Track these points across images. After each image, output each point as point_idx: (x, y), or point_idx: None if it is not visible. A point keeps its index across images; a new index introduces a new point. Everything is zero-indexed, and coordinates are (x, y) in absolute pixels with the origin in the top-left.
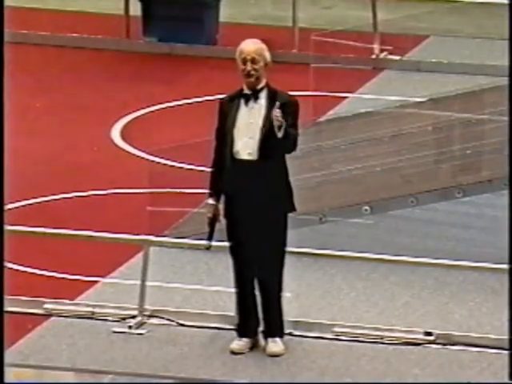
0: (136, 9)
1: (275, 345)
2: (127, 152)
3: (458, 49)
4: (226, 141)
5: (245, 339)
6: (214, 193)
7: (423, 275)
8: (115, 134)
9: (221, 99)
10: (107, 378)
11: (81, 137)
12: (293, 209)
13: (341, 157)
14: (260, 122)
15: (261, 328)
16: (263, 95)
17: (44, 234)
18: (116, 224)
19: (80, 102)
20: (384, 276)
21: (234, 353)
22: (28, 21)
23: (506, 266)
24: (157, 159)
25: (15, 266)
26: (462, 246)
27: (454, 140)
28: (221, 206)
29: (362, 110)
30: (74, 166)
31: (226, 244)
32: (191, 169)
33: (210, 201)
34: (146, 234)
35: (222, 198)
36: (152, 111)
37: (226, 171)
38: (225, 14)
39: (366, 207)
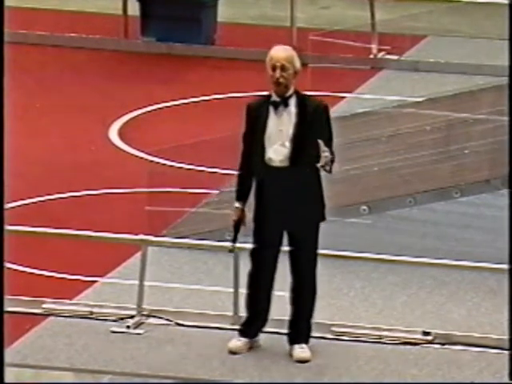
0: (134, 9)
1: (303, 351)
2: (125, 152)
3: (456, 49)
4: (256, 147)
5: (244, 339)
6: (241, 196)
7: (422, 275)
8: (113, 133)
9: (248, 104)
10: (106, 378)
11: (79, 137)
12: (323, 218)
13: (339, 157)
14: (290, 129)
15: (284, 331)
16: (292, 102)
17: (44, 233)
18: (114, 224)
19: (78, 101)
20: (382, 276)
21: (232, 352)
22: (27, 21)
23: (504, 266)
24: (155, 159)
25: (14, 266)
26: (461, 245)
27: (451, 140)
28: (246, 210)
29: (360, 110)
30: (71, 165)
31: (225, 244)
32: (189, 169)
33: (237, 204)
34: (145, 234)
35: (248, 202)
36: (150, 111)
37: (257, 177)
38: (223, 13)
39: (364, 207)
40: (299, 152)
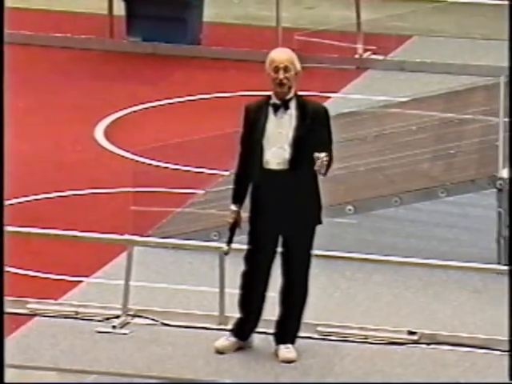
0: (120, 8)
1: (288, 351)
2: (111, 152)
3: (442, 49)
4: (254, 150)
5: (233, 339)
6: (237, 199)
7: (407, 275)
8: (99, 133)
9: (247, 106)
10: (90, 378)
11: (64, 136)
12: (319, 221)
13: None
14: (290, 132)
15: (272, 331)
16: (293, 105)
17: (28, 233)
18: (100, 224)
19: (64, 101)
20: (368, 276)
21: (218, 351)
22: (12, 20)
23: (489, 266)
24: (140, 159)
25: None
26: (446, 245)
27: (437, 140)
28: (242, 212)
29: (346, 110)
30: (57, 165)
31: (211, 244)
32: (175, 168)
33: (233, 207)
34: (130, 234)
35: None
36: (136, 111)
37: (254, 180)
38: (208, 13)
39: (350, 207)
40: (298, 155)
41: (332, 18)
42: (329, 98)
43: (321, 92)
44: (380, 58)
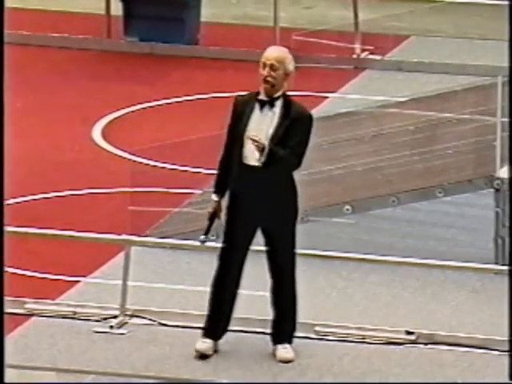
0: (117, 8)
1: (286, 351)
2: (108, 152)
3: (439, 49)
4: (236, 143)
5: (209, 340)
6: (219, 189)
7: (404, 275)
8: (96, 133)
9: (235, 98)
10: (89, 378)
11: (62, 136)
12: (296, 216)
13: (322, 156)
14: (270, 130)
15: (268, 331)
16: (279, 104)
17: (26, 233)
18: (97, 224)
19: (61, 101)
20: (365, 276)
21: (200, 354)
22: (10, 20)
23: (487, 266)
24: (138, 159)
25: None
26: (444, 245)
27: (435, 140)
28: (223, 203)
29: (344, 110)
30: (55, 165)
31: (208, 244)
32: (172, 168)
33: (214, 197)
34: (128, 234)
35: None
36: (133, 111)
37: (233, 173)
38: (206, 13)
39: (348, 207)
40: (274, 153)
41: (330, 18)
42: (326, 97)
43: (318, 92)
44: (378, 57)
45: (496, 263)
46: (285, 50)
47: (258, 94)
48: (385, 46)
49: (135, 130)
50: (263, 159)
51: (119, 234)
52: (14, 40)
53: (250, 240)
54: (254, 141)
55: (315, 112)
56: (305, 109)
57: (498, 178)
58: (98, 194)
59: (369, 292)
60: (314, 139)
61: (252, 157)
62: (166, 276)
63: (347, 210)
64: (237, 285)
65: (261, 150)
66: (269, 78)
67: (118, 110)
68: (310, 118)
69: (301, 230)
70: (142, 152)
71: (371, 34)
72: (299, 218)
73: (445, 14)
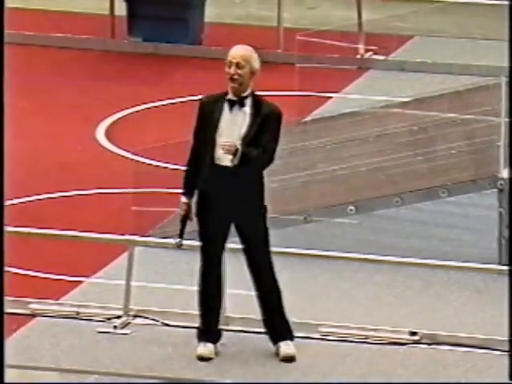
0: (121, 8)
1: (288, 347)
2: (112, 152)
3: (443, 49)
4: (206, 144)
5: (209, 344)
6: (188, 191)
7: (408, 275)
8: (100, 133)
9: (201, 100)
10: (92, 378)
11: (65, 137)
12: (266, 212)
13: (326, 157)
14: (243, 129)
15: (266, 330)
16: (248, 103)
17: (29, 234)
18: (101, 224)
19: (64, 101)
20: (369, 276)
21: (202, 358)
22: (12, 20)
23: (490, 266)
24: (141, 159)
25: None
26: (447, 245)
27: (438, 140)
28: (193, 204)
29: (347, 110)
30: (58, 165)
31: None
32: (176, 169)
33: (184, 199)
34: (131, 234)
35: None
36: (137, 111)
37: (204, 174)
38: (210, 13)
39: (351, 207)
40: (247, 154)
41: (333, 19)
42: (330, 98)
43: (322, 92)
44: (381, 58)
45: (499, 263)
46: (250, 48)
47: (225, 94)
48: (388, 46)
49: (138, 130)
50: (236, 161)
51: (122, 234)
52: (16, 40)
53: (224, 237)
54: (227, 148)
55: (319, 112)
56: (275, 106)
57: (502, 179)
58: (101, 194)
59: (372, 292)
60: (317, 139)
61: (225, 158)
62: (170, 276)
63: (351, 210)
64: (220, 282)
65: (233, 153)
66: (235, 76)
67: (122, 110)
68: (280, 115)
69: (304, 230)
70: (146, 152)
71: (375, 35)
72: (302, 218)
73: (448, 15)
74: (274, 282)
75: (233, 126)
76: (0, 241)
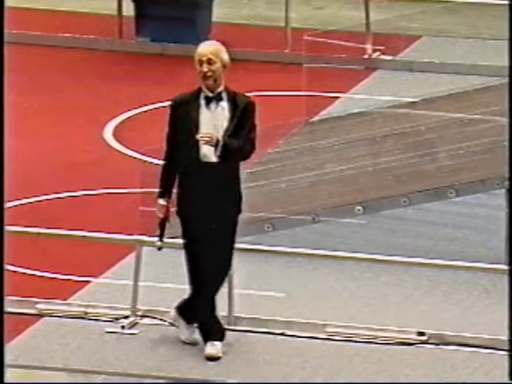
0: (129, 9)
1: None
2: (119, 152)
3: (451, 49)
4: (186, 144)
5: (216, 342)
6: (165, 193)
7: (416, 275)
8: (108, 133)
9: (172, 103)
10: (100, 378)
11: (73, 137)
12: (240, 211)
13: (333, 157)
14: (224, 124)
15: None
16: (224, 97)
17: (37, 234)
18: (108, 224)
19: (72, 101)
20: (376, 276)
21: (211, 357)
22: (20, 21)
23: (498, 266)
24: (149, 159)
25: (7, 266)
26: (455, 245)
27: (446, 140)
28: (170, 206)
29: (355, 110)
30: (66, 165)
31: None
32: None
33: (162, 201)
34: (139, 234)
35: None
36: (144, 111)
37: (187, 173)
38: (218, 14)
39: (359, 207)
40: (229, 148)
41: (341, 19)
42: (338, 98)
43: (330, 92)
44: (389, 58)
45: (507, 263)
46: (217, 42)
47: (197, 92)
48: (396, 46)
49: (146, 131)
50: (218, 152)
51: (130, 234)
52: (24, 40)
53: (210, 234)
54: (206, 139)
55: (327, 112)
56: (247, 96)
57: (510, 179)
58: (108, 194)
59: (380, 292)
60: (325, 139)
61: (211, 154)
62: (177, 276)
63: (358, 210)
64: (215, 279)
65: (215, 144)
66: (209, 73)
67: (129, 110)
68: (254, 104)
69: (312, 230)
70: (153, 152)
71: (382, 35)
72: (310, 218)
73: (456, 14)
74: (223, 281)
75: (214, 123)
76: (0, 241)
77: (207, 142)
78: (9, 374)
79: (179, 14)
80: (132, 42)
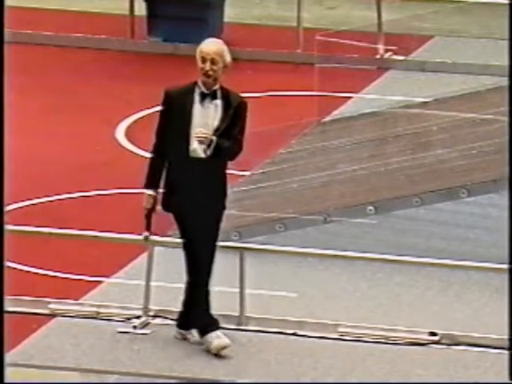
0: (141, 9)
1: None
2: (131, 152)
3: (463, 49)
4: (178, 136)
5: (219, 333)
6: (153, 184)
7: (427, 275)
8: (120, 133)
9: (168, 92)
10: (112, 378)
11: (85, 137)
12: (224, 208)
13: (345, 157)
14: (216, 121)
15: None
16: (219, 95)
17: (50, 234)
18: (120, 224)
19: (84, 102)
20: (388, 276)
21: (221, 348)
22: (32, 21)
23: (510, 266)
24: None
25: (19, 266)
26: (467, 245)
27: (458, 140)
28: (158, 197)
29: (367, 110)
30: (78, 165)
31: (231, 244)
32: None
33: (150, 192)
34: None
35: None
36: (156, 111)
37: (175, 166)
38: (229, 14)
39: (371, 207)
40: (220, 145)
41: (353, 19)
42: (350, 98)
43: (342, 92)
44: (401, 58)
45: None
46: (221, 41)
47: (193, 86)
48: (408, 46)
49: None
50: (209, 152)
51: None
52: (35, 40)
53: (202, 230)
54: (202, 139)
55: (339, 112)
56: (240, 96)
57: (510, 179)
58: (120, 194)
59: (392, 292)
60: (337, 139)
61: (200, 150)
62: None
63: (370, 210)
64: (208, 273)
65: (208, 143)
66: (211, 72)
67: (141, 110)
68: (246, 105)
69: (324, 230)
70: None
71: (394, 35)
72: (322, 218)
73: (468, 14)
74: (210, 275)
75: (205, 119)
76: (0, 241)
77: (201, 142)
78: (21, 374)
79: (191, 14)
80: (144, 41)
